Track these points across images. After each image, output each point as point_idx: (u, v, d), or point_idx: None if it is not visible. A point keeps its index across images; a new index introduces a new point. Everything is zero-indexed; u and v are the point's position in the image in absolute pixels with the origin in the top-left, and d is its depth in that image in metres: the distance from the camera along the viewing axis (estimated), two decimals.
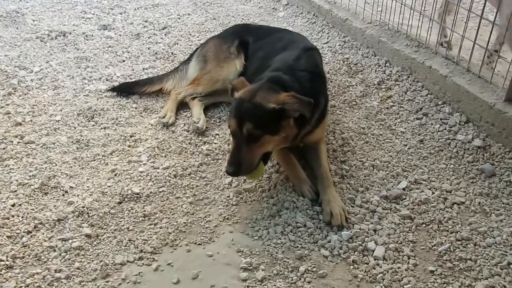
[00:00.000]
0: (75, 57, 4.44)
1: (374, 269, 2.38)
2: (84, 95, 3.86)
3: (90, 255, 2.47)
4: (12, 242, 2.52)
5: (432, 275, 2.34)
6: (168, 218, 2.70)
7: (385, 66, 4.02)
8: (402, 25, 4.01)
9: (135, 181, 2.95)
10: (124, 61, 4.43)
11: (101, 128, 3.46)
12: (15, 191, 2.85)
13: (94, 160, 3.15)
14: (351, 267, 2.40)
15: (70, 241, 2.53)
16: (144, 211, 2.73)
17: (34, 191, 2.86)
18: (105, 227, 2.64)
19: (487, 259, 2.40)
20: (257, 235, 2.58)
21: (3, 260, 2.39)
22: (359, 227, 2.59)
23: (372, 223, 2.62)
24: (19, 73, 4.13)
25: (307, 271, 2.37)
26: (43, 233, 2.58)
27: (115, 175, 3.00)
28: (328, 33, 4.70)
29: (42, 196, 2.84)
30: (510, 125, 2.97)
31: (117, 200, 2.80)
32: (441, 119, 3.37)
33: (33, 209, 2.74)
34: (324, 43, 4.54)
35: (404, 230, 2.58)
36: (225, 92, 3.27)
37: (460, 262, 2.39)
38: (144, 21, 5.22)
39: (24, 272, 2.36)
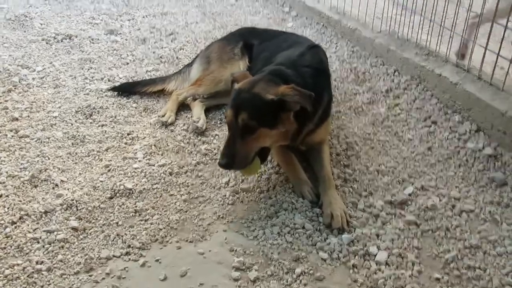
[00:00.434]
0: (79, 58, 4.38)
1: (376, 274, 2.22)
2: (84, 94, 3.78)
3: (74, 248, 2.34)
4: None
5: (438, 283, 2.18)
6: (160, 214, 2.57)
7: (393, 75, 3.91)
8: (412, 34, 3.91)
9: (129, 177, 2.83)
10: (128, 63, 4.35)
11: (99, 126, 3.36)
12: (3, 182, 2.75)
13: (89, 156, 3.04)
14: (351, 271, 2.25)
15: (55, 233, 2.41)
16: (136, 207, 2.61)
17: (24, 183, 2.76)
18: (93, 221, 2.51)
19: (497, 268, 2.23)
20: (252, 235, 2.44)
21: None
22: (361, 231, 2.44)
23: (375, 228, 2.47)
24: (21, 71, 4.06)
25: (303, 273, 2.22)
26: (28, 225, 2.46)
27: (109, 170, 2.89)
28: (336, 43, 4.62)
29: (31, 189, 2.73)
30: None
31: (108, 195, 2.68)
32: (450, 127, 3.23)
33: (20, 201, 2.63)
34: (333, 53, 4.44)
35: (409, 236, 2.43)
36: (227, 94, 3.16)
37: (469, 271, 2.23)
38: (152, 27, 5.16)
39: (3, 262, 2.24)
